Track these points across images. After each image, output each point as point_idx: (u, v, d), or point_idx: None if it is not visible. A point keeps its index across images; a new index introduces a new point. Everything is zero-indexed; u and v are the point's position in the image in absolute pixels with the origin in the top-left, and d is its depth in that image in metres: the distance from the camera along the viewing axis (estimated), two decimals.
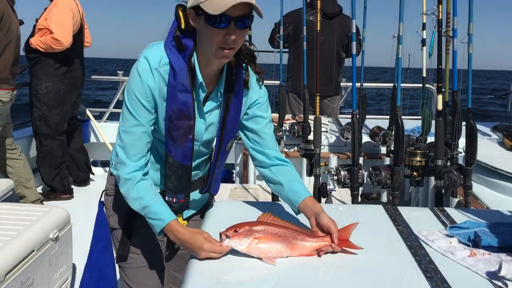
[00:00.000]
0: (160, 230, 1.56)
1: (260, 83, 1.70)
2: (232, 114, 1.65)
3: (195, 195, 1.78)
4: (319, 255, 1.47)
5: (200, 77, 1.56)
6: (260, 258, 1.43)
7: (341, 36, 4.76)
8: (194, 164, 1.69)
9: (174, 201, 1.68)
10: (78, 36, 4.19)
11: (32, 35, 4.07)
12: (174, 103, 1.54)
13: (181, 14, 1.53)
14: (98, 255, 1.84)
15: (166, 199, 1.68)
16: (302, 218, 1.66)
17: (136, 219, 1.74)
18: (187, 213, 1.85)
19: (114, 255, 1.82)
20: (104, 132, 4.98)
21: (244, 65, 1.63)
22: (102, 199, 1.84)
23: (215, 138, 1.69)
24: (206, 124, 1.65)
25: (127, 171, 1.58)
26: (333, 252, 1.49)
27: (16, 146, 3.91)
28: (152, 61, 1.52)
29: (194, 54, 1.54)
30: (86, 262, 1.89)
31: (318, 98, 2.95)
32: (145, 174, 1.62)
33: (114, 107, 5.37)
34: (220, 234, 1.44)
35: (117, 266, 1.84)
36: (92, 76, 5.67)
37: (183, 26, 1.53)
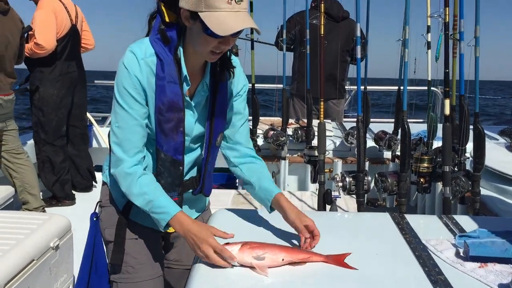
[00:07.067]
0: (166, 224, 1.52)
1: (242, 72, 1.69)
2: (220, 106, 1.62)
3: (188, 196, 1.72)
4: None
5: (185, 70, 1.54)
6: (253, 268, 1.38)
7: (347, 39, 4.73)
8: (185, 161, 1.65)
9: None
10: (69, 38, 4.10)
11: (27, 41, 4.02)
12: (163, 95, 1.51)
13: (163, 8, 1.51)
14: (85, 271, 1.80)
15: None
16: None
17: (130, 229, 1.70)
18: None
19: (107, 268, 1.76)
20: (106, 137, 4.95)
21: (228, 54, 1.60)
22: (97, 210, 1.80)
23: (205, 132, 1.65)
24: (195, 117, 1.62)
25: (127, 166, 1.54)
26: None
27: (23, 151, 3.87)
28: (138, 52, 1.50)
29: (180, 47, 1.52)
30: (78, 277, 1.83)
31: (322, 103, 2.89)
32: (145, 168, 1.58)
33: None
34: None
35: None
36: (95, 81, 5.77)
37: (167, 19, 1.51)
